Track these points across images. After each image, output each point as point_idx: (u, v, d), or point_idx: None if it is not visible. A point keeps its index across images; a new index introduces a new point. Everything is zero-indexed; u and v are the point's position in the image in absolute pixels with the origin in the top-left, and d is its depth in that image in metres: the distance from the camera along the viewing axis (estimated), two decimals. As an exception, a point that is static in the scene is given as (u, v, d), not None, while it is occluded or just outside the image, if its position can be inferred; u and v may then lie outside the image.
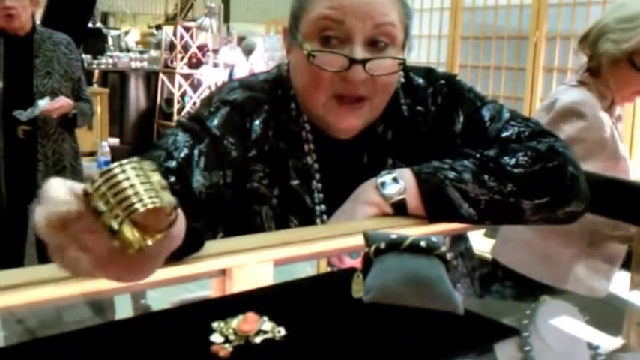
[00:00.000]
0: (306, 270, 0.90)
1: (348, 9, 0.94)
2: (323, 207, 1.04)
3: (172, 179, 0.89)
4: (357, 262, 0.93)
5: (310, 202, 1.04)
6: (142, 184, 0.46)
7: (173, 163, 0.92)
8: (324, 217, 1.04)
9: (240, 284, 0.78)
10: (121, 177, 0.46)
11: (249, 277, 0.79)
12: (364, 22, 0.94)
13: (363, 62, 0.94)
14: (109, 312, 0.85)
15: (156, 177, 0.48)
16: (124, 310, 0.84)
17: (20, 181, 2.84)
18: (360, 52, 0.95)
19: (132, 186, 0.46)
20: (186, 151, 0.94)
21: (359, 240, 0.88)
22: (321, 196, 1.05)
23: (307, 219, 1.03)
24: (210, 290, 0.82)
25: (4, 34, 2.77)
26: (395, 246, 0.67)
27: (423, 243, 0.67)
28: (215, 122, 1.00)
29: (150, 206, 0.45)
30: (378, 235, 0.70)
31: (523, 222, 1.03)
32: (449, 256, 0.68)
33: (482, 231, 2.59)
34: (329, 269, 0.94)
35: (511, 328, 0.65)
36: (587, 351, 0.80)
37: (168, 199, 0.47)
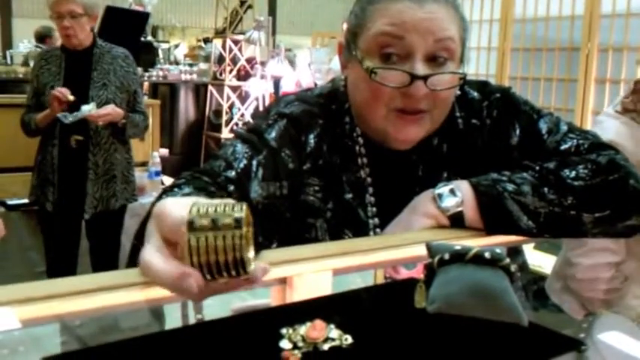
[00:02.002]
0: (356, 281, 0.91)
1: (409, 25, 0.95)
2: (376, 220, 1.05)
3: (231, 188, 0.92)
4: (412, 273, 0.93)
5: (364, 216, 1.05)
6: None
7: (232, 173, 0.94)
8: (378, 230, 1.04)
9: (300, 293, 0.79)
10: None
11: (309, 286, 0.80)
12: (425, 37, 0.95)
13: (425, 78, 0.94)
14: (168, 319, 0.88)
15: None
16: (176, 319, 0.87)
17: (71, 189, 2.92)
18: (421, 68, 0.95)
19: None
20: (245, 161, 0.96)
21: (416, 251, 0.89)
22: (374, 209, 1.05)
23: (361, 232, 1.04)
24: (264, 299, 0.83)
25: (66, 49, 2.89)
26: (459, 257, 0.67)
27: (487, 254, 0.67)
28: (273, 135, 1.02)
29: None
30: (441, 246, 0.71)
31: (583, 235, 1.02)
32: (513, 268, 0.68)
33: (532, 244, 2.55)
34: (386, 279, 0.95)
35: (576, 341, 0.64)
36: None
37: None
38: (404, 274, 0.93)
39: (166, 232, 0.52)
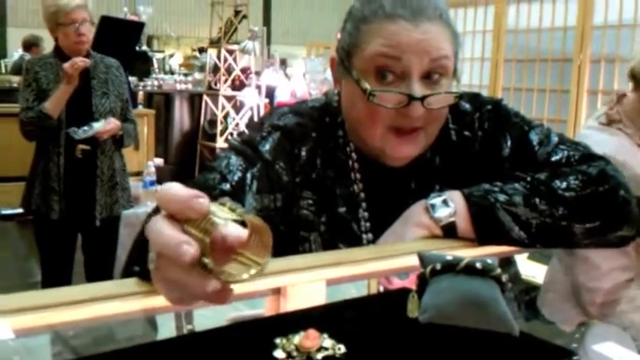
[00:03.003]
0: (351, 292, 0.91)
1: (405, 46, 0.95)
2: (370, 235, 1.05)
3: None
4: (405, 283, 0.94)
5: (357, 230, 1.06)
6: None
7: (227, 186, 0.94)
8: (371, 245, 1.04)
9: (293, 303, 0.80)
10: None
11: (303, 296, 0.81)
12: (421, 57, 0.95)
13: (422, 99, 0.95)
14: (161, 330, 0.88)
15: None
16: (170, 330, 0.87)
17: (79, 197, 2.94)
18: (417, 89, 0.95)
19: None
20: (239, 174, 0.96)
21: (409, 261, 0.89)
22: (367, 224, 1.06)
23: (355, 246, 1.04)
24: (258, 309, 0.83)
25: (62, 57, 2.89)
26: (451, 267, 0.68)
27: (478, 265, 0.67)
28: (267, 147, 1.02)
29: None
30: (433, 257, 0.71)
31: (574, 245, 1.02)
32: (504, 278, 0.69)
33: (526, 254, 2.56)
34: (380, 289, 0.95)
35: (567, 350, 0.65)
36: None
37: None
38: (397, 284, 0.94)
39: (173, 208, 0.53)
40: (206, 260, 0.50)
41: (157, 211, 0.65)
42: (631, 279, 1.53)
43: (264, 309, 0.82)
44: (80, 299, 0.67)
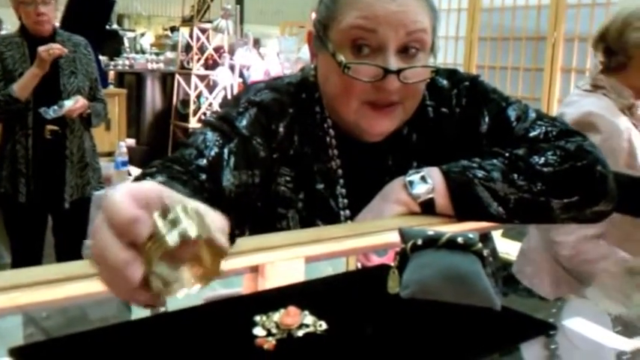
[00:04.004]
0: (327, 270, 0.91)
1: (381, 18, 0.94)
2: (347, 212, 1.05)
3: (203, 177, 0.90)
4: (383, 260, 0.93)
5: (335, 207, 1.05)
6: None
7: (204, 161, 0.93)
8: (349, 222, 1.04)
9: (272, 281, 0.79)
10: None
11: (281, 274, 0.80)
12: (397, 30, 0.94)
13: (398, 72, 0.94)
14: (135, 309, 0.86)
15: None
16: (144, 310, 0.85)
17: (48, 179, 2.90)
18: (393, 62, 0.94)
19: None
20: (216, 149, 0.95)
21: (387, 238, 0.89)
22: (345, 201, 1.05)
23: (333, 223, 1.03)
24: (236, 288, 0.82)
25: (28, 37, 2.83)
26: (432, 242, 0.67)
27: (460, 239, 0.67)
28: (244, 123, 1.01)
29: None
30: (414, 232, 0.70)
31: (552, 221, 1.03)
32: (485, 252, 0.68)
33: (500, 232, 2.58)
34: (357, 266, 0.95)
35: (548, 324, 0.65)
36: (612, 350, 0.80)
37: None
38: (375, 260, 0.94)
39: (114, 224, 0.49)
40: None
41: None
42: (598, 235, 1.56)
43: (242, 288, 0.81)
44: (51, 279, 0.65)
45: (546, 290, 1.69)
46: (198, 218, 0.47)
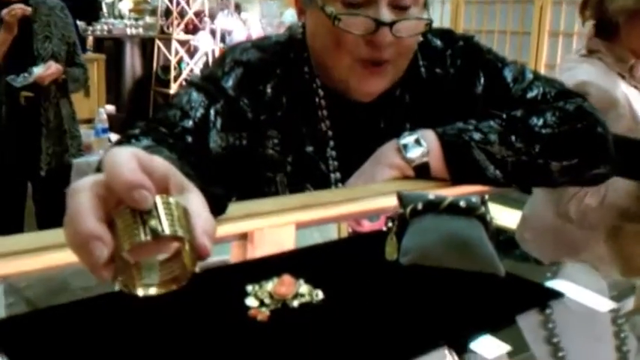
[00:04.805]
0: (314, 236, 0.87)
1: None
2: (338, 175, 1.02)
3: (189, 139, 0.88)
4: (375, 226, 0.91)
5: (325, 170, 1.02)
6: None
7: (189, 123, 0.90)
8: (339, 185, 1.01)
9: (261, 249, 0.76)
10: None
11: (271, 242, 0.77)
12: None
13: (390, 24, 0.90)
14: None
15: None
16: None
17: (23, 147, 2.85)
18: (386, 14, 0.90)
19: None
20: (202, 110, 0.92)
21: (380, 203, 0.86)
22: (335, 163, 1.02)
23: (322, 187, 1.00)
24: (223, 255, 0.79)
25: (-1, 1, 2.73)
26: (433, 206, 0.64)
27: (462, 203, 0.63)
28: (230, 83, 0.98)
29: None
30: (414, 196, 0.67)
31: (550, 184, 1.02)
32: (488, 217, 0.65)
33: (487, 197, 2.57)
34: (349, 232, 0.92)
35: (554, 291, 0.62)
36: (608, 314, 0.79)
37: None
38: (367, 226, 0.91)
39: (112, 186, 0.43)
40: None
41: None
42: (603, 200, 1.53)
43: (230, 256, 0.77)
44: (32, 247, 0.62)
45: (544, 255, 1.68)
46: (184, 217, 0.43)
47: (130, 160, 0.43)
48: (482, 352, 0.54)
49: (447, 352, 0.53)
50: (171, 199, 0.43)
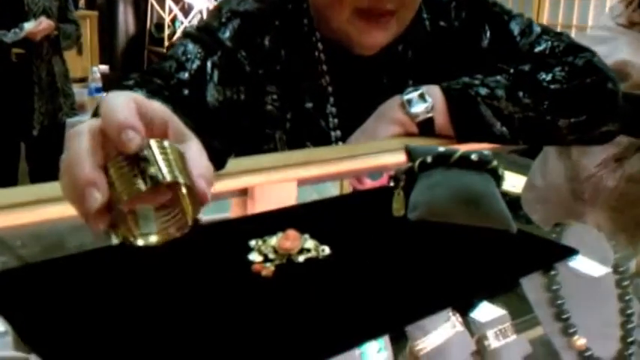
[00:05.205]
0: (313, 196, 0.85)
1: None
2: (338, 132, 0.99)
3: (186, 92, 0.85)
4: (377, 184, 0.89)
5: (325, 127, 0.99)
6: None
7: (185, 75, 0.87)
8: (340, 143, 0.98)
9: (262, 205, 0.73)
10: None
11: (272, 198, 0.75)
12: None
13: None
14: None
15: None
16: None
17: (15, 105, 2.81)
18: None
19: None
20: (198, 62, 0.88)
21: (383, 160, 0.84)
22: (335, 120, 0.99)
23: (322, 145, 0.98)
24: (224, 213, 0.77)
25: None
26: (443, 160, 0.61)
27: (474, 157, 0.61)
28: (227, 34, 0.93)
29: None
30: (423, 149, 0.64)
31: (557, 142, 1.00)
32: (500, 171, 0.62)
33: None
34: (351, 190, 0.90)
35: (569, 248, 0.60)
36: (612, 275, 0.77)
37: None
38: (369, 184, 0.89)
39: (105, 127, 0.42)
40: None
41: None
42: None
43: (230, 212, 0.76)
44: (25, 201, 0.59)
45: (544, 219, 1.66)
46: (180, 161, 0.41)
47: (126, 104, 0.41)
48: (483, 314, 0.53)
49: (450, 314, 0.52)
50: (166, 143, 0.41)
